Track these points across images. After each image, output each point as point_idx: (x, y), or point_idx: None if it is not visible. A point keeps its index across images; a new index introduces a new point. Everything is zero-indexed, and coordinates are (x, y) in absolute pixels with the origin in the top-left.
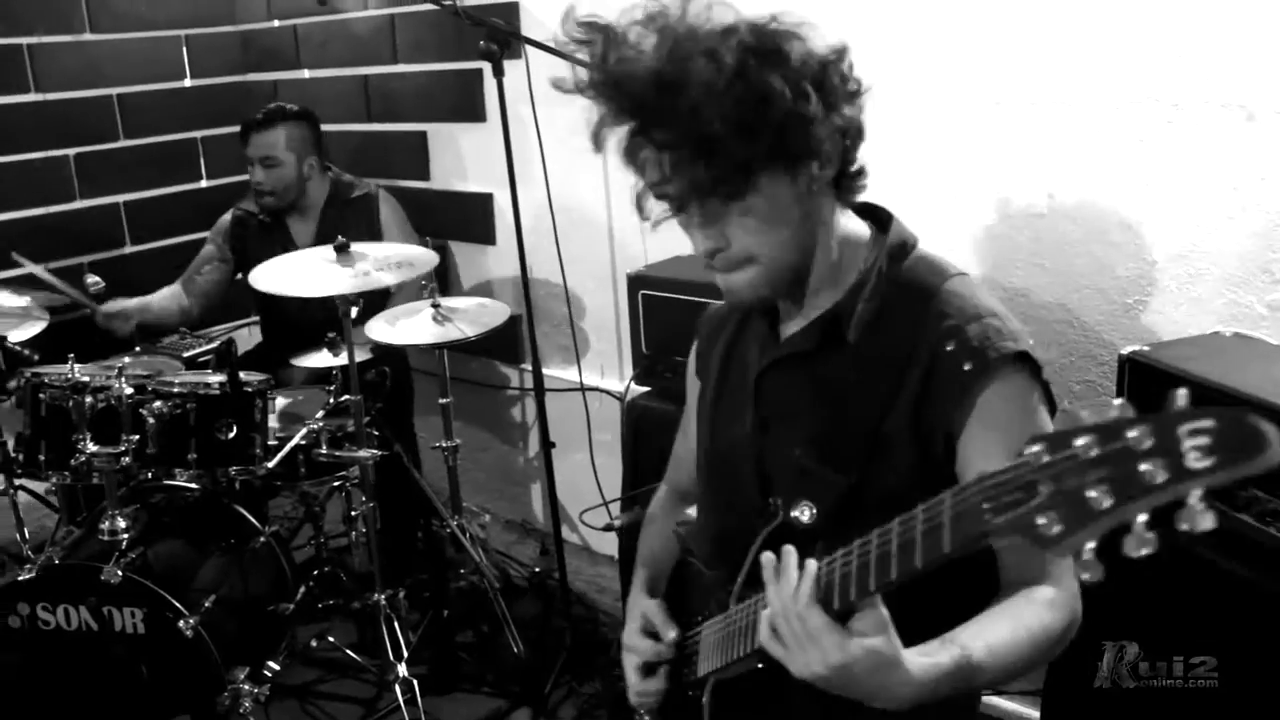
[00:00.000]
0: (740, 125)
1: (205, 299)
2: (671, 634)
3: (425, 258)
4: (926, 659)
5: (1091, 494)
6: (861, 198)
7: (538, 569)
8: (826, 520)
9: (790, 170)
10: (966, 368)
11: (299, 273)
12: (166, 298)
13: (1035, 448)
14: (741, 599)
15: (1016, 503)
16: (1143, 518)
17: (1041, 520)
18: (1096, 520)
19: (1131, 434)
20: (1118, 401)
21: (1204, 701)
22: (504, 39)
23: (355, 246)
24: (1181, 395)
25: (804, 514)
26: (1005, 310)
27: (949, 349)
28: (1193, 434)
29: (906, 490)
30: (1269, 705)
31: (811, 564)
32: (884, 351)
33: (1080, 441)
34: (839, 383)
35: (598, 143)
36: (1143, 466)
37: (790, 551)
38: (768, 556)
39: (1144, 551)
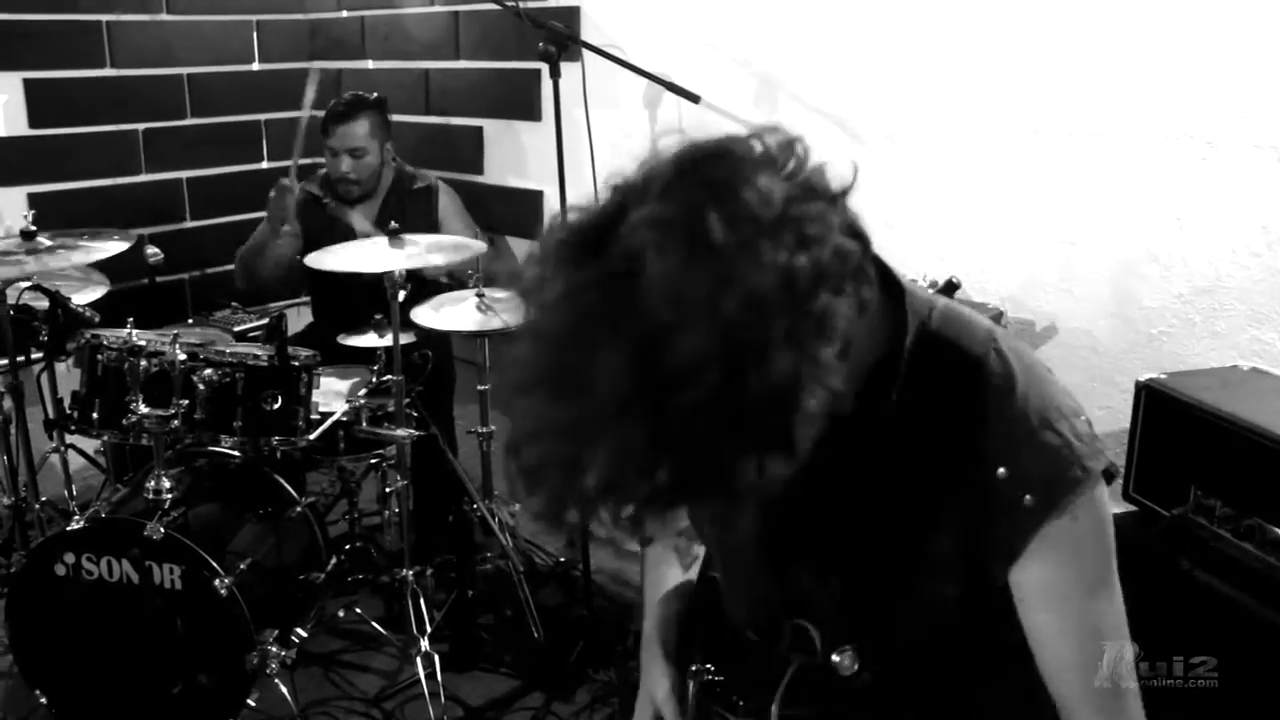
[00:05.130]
0: None
1: (281, 268)
2: None
3: (475, 245)
4: None
5: None
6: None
7: (563, 559)
8: (867, 667)
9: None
10: (1026, 501)
11: (354, 255)
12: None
13: None
14: None
15: None
16: None
17: None
18: None
19: None
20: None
21: (1204, 701)
22: (562, 42)
23: (409, 236)
24: None
25: (846, 661)
26: (1060, 395)
27: (1001, 474)
28: None
29: (953, 623)
30: (1269, 705)
31: None
32: (922, 455)
33: None
34: (872, 491)
35: None
36: None
37: None
38: None
39: None
